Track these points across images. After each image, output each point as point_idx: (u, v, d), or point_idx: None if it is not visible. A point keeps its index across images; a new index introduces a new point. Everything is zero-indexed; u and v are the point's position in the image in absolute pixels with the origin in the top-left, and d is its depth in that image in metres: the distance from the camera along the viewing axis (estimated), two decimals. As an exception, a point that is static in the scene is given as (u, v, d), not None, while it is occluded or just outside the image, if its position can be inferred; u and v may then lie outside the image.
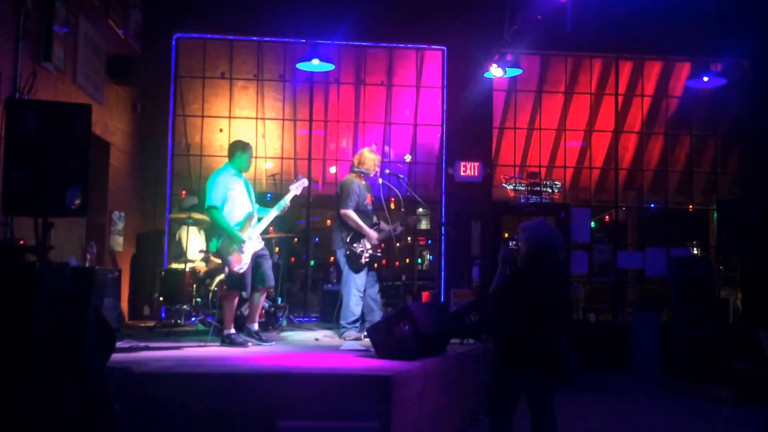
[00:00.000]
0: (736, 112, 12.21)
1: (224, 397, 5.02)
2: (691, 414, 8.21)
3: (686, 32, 11.15)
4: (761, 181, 11.61)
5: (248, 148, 7.35)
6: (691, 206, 12.72)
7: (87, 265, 7.80)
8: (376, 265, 7.95)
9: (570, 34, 8.69)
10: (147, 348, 6.66)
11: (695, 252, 13.29)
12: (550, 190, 11.52)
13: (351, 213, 7.68)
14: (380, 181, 7.87)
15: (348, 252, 7.68)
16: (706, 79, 11.26)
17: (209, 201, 7.01)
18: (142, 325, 9.24)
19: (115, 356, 5.12)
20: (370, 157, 7.91)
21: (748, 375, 8.65)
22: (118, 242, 9.59)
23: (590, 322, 11.32)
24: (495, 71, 10.14)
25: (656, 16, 10.81)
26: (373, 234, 7.67)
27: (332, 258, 12.66)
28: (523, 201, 11.37)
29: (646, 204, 12.62)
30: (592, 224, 12.07)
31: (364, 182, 7.88)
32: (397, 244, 8.09)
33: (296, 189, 7.48)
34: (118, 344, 6.17)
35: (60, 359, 3.89)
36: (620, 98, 12.25)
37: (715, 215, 11.72)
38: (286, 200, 7.36)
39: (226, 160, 7.39)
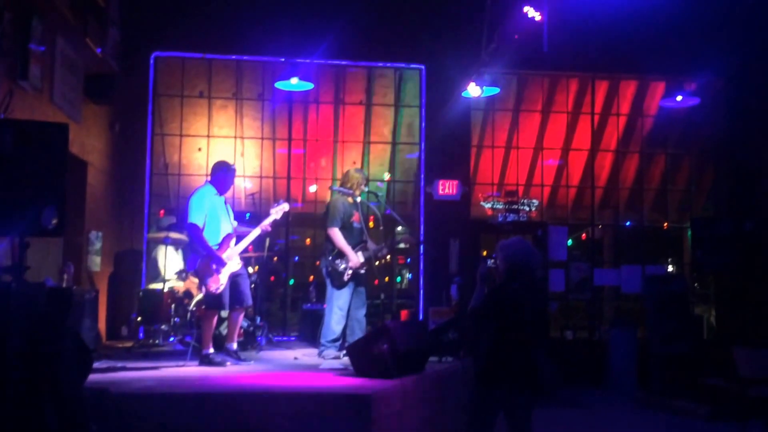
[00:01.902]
0: (709, 131, 12.36)
1: (203, 417, 5.00)
2: (668, 430, 8.28)
3: (661, 52, 11.31)
4: (735, 199, 11.76)
5: (231, 170, 7.35)
6: (666, 224, 12.85)
7: (64, 285, 7.74)
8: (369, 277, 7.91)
9: (547, 53, 8.79)
10: (125, 368, 6.61)
11: (670, 269, 13.42)
12: (527, 209, 11.62)
13: (334, 232, 7.68)
14: (359, 200, 7.87)
15: (330, 268, 7.67)
16: (679, 98, 11.43)
17: (189, 220, 7.01)
18: (120, 345, 9.16)
19: (93, 377, 5.09)
20: (354, 177, 7.92)
21: (723, 391, 8.72)
22: (95, 262, 9.52)
23: (567, 339, 11.38)
24: (473, 90, 10.23)
25: (631, 37, 10.95)
26: (353, 257, 7.65)
27: (312, 277, 12.68)
28: (500, 219, 11.45)
29: (622, 222, 12.74)
30: (569, 242, 12.15)
31: (352, 200, 7.89)
32: (376, 263, 8.09)
33: (277, 213, 7.49)
34: (96, 365, 6.11)
35: (37, 380, 3.87)
36: (596, 117, 12.37)
37: (690, 233, 11.90)
38: (266, 224, 7.38)
39: (205, 179, 7.39)
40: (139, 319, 9.28)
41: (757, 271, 10.97)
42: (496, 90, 10.80)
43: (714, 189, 12.44)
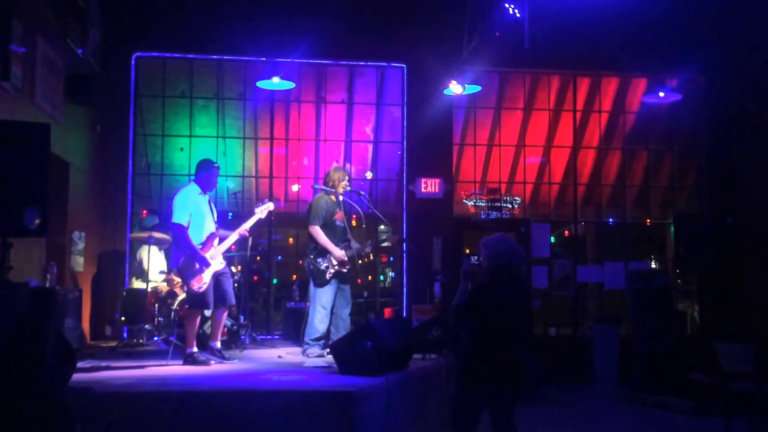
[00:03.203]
0: (691, 127, 12.44)
1: (187, 416, 5.00)
2: (651, 425, 8.35)
3: (642, 49, 11.38)
4: (717, 195, 11.86)
5: (215, 168, 7.33)
6: (648, 220, 12.92)
7: (47, 285, 7.71)
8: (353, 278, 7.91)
9: (528, 51, 8.83)
10: (108, 368, 6.61)
11: (653, 265, 13.52)
12: (510, 206, 11.64)
13: (316, 230, 7.69)
14: (341, 198, 7.88)
15: (312, 267, 7.68)
16: (662, 94, 11.49)
17: (173, 219, 7.00)
18: (104, 345, 9.14)
19: (77, 376, 5.08)
20: (336, 175, 7.93)
21: (706, 386, 8.80)
22: (78, 262, 9.48)
23: (551, 336, 11.44)
24: (454, 88, 10.26)
25: (613, 33, 11.02)
26: (337, 253, 7.66)
27: (295, 276, 12.68)
28: (483, 217, 11.46)
29: (605, 218, 12.79)
30: (552, 239, 12.20)
31: (335, 199, 7.90)
32: (360, 262, 8.10)
33: (261, 213, 7.50)
34: (80, 364, 6.12)
35: (20, 380, 3.86)
36: (578, 114, 12.43)
37: (672, 229, 11.98)
38: (250, 224, 7.38)
39: (188, 178, 7.38)
40: (122, 318, 9.27)
41: (739, 267, 11.06)
42: (477, 88, 10.83)
43: (696, 185, 12.52)
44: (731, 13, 11.15)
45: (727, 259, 10.94)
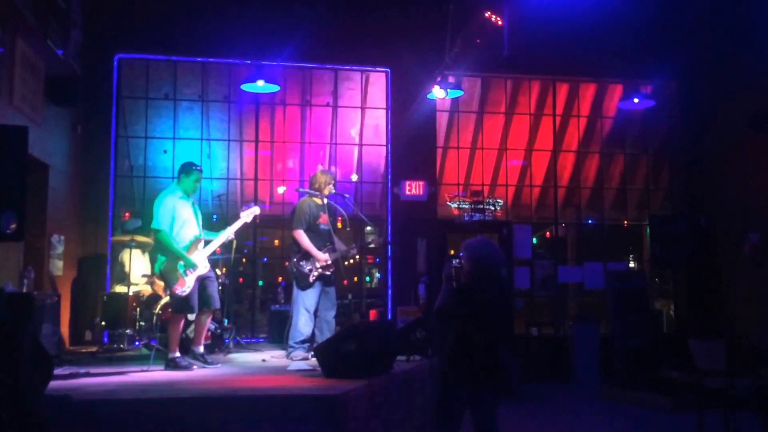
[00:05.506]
0: (665, 131, 12.68)
1: (168, 423, 4.94)
2: (629, 422, 8.43)
3: (618, 56, 11.54)
4: (690, 196, 12.05)
5: (198, 171, 7.28)
6: (625, 222, 13.09)
7: (24, 290, 7.64)
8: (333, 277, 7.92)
9: (509, 57, 8.92)
10: (88, 374, 6.51)
11: (631, 265, 13.64)
12: (492, 208, 11.68)
13: (299, 234, 7.69)
14: (326, 201, 7.89)
15: (295, 270, 7.69)
16: (636, 100, 11.63)
17: (156, 223, 6.95)
18: (84, 350, 9.07)
19: (54, 383, 5.02)
20: (322, 178, 7.93)
21: (682, 383, 8.91)
22: (57, 266, 9.41)
23: (533, 336, 11.51)
24: (437, 93, 10.31)
25: (590, 41, 11.15)
26: (320, 257, 7.66)
27: (280, 278, 12.67)
28: (467, 219, 11.49)
29: (584, 220, 12.93)
30: (534, 240, 12.30)
31: (320, 202, 7.90)
32: (345, 263, 8.10)
33: (247, 217, 7.47)
34: (58, 371, 6.03)
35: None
36: (558, 119, 12.56)
37: (648, 230, 12.12)
38: (236, 227, 7.36)
39: (171, 181, 7.33)
40: (103, 323, 9.19)
41: (712, 266, 11.23)
42: (459, 92, 10.89)
43: (670, 187, 12.73)
44: (702, 22, 11.36)
45: (701, 259, 11.10)
